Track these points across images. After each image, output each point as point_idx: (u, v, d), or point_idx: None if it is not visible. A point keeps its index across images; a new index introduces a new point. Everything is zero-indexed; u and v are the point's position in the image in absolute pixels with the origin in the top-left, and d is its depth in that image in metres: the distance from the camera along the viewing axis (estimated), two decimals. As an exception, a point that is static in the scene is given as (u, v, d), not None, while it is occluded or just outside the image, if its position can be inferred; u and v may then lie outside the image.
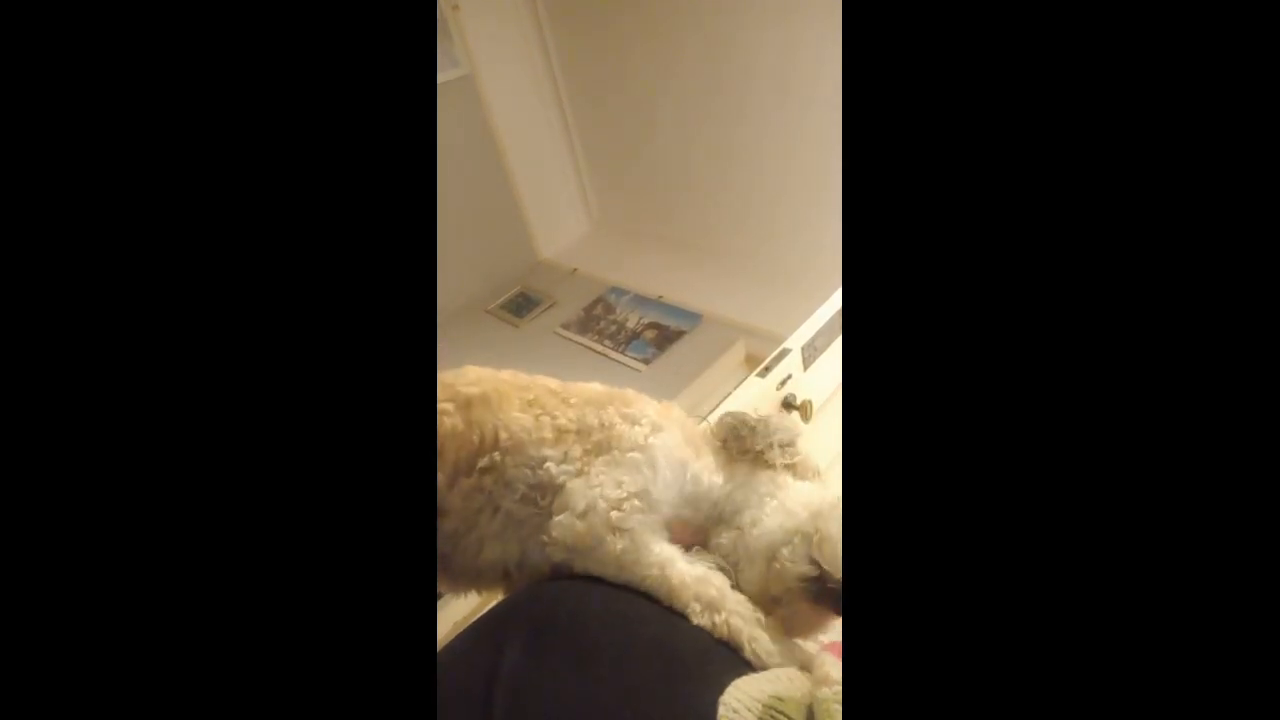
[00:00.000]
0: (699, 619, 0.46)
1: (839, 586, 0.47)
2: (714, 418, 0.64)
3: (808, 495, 0.54)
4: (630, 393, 0.58)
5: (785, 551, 0.49)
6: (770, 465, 0.55)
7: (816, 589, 0.48)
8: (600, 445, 0.52)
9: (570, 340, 1.87)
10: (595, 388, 0.58)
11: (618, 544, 0.48)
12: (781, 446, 0.56)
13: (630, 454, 0.52)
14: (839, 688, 0.39)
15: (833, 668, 0.42)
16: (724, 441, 0.57)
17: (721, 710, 0.38)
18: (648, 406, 0.57)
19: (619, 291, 2.00)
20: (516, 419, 0.53)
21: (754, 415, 0.58)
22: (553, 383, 0.58)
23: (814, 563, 0.48)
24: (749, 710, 0.38)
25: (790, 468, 0.56)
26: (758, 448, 0.55)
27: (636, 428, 0.53)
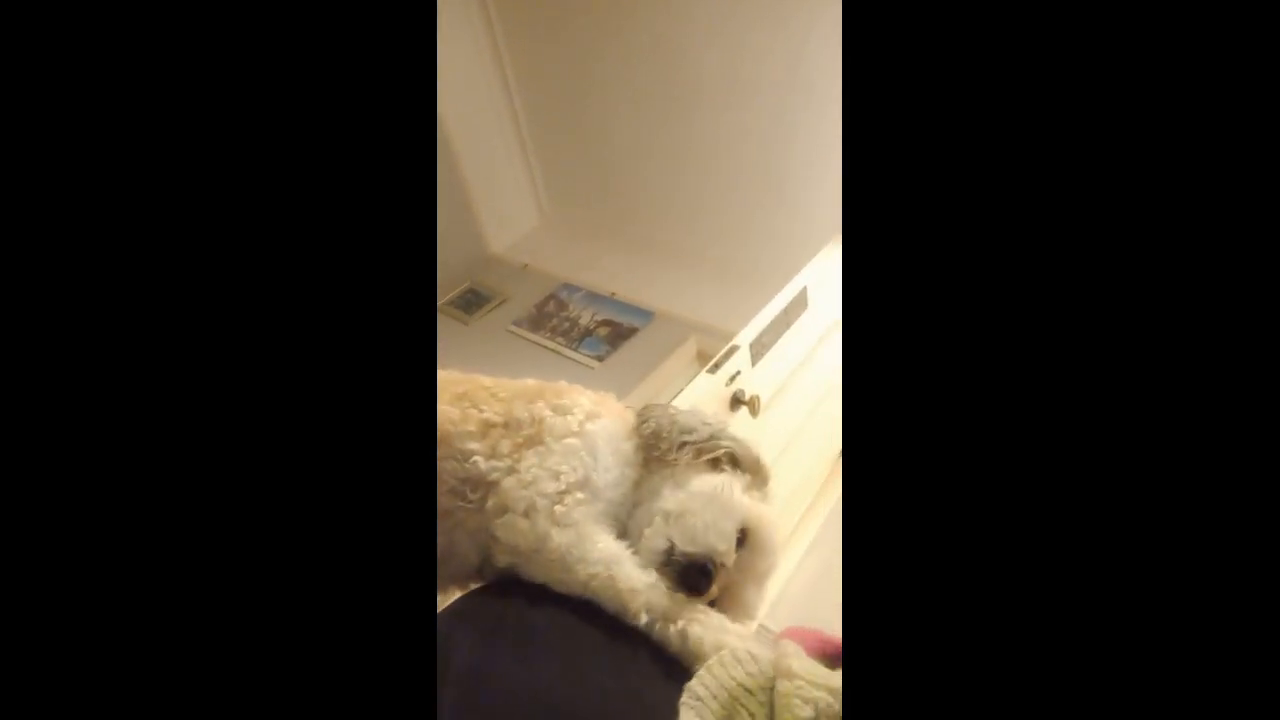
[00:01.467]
0: (650, 631, 0.45)
1: (686, 560, 0.47)
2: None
3: (702, 484, 0.52)
4: (564, 385, 0.57)
5: (648, 530, 0.49)
6: (674, 464, 0.54)
7: (666, 561, 0.47)
8: (531, 439, 0.52)
9: (522, 337, 1.86)
10: (528, 382, 0.57)
11: (562, 539, 0.47)
12: (687, 445, 0.53)
13: (566, 440, 0.51)
14: (800, 681, 0.38)
15: (794, 658, 0.40)
16: (643, 440, 0.56)
17: (685, 696, 0.38)
18: (581, 396, 0.56)
19: (571, 288, 1.99)
20: (444, 411, 0.53)
21: (667, 415, 0.56)
22: (487, 380, 0.57)
23: (669, 538, 0.48)
24: (714, 698, 0.38)
25: (714, 464, 0.54)
26: (662, 449, 0.54)
27: (569, 417, 0.53)
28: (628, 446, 0.55)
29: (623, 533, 0.52)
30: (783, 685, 0.38)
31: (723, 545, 0.48)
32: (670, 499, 0.51)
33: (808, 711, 0.36)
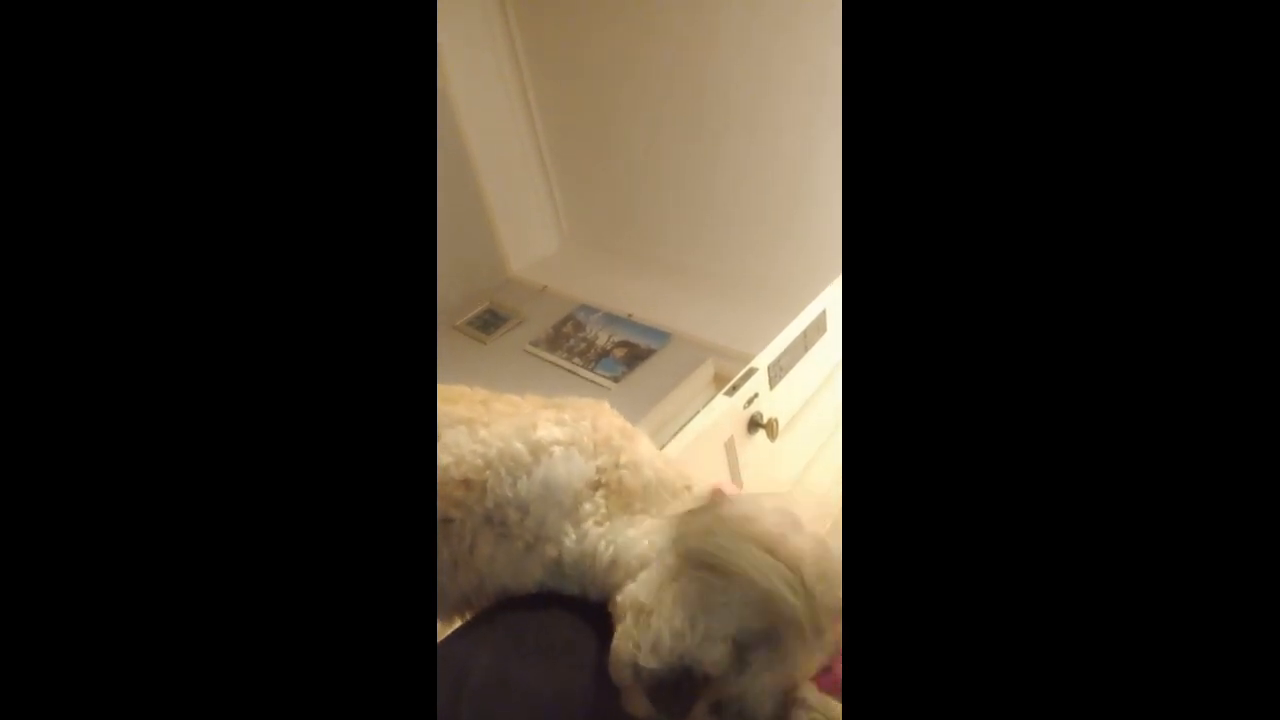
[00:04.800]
0: None
1: (652, 678, 0.37)
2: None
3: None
4: (583, 401, 0.53)
5: (618, 630, 0.39)
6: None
7: (634, 674, 0.38)
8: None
9: (539, 358, 1.86)
10: (532, 397, 0.54)
11: None
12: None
13: (515, 444, 0.46)
14: (815, 713, 0.38)
15: (809, 691, 0.39)
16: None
17: None
18: (584, 416, 0.50)
19: (589, 309, 2.00)
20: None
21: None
22: (482, 392, 0.55)
23: (636, 643, 0.38)
24: None
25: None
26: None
27: (539, 429, 0.47)
28: (587, 495, 0.48)
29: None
30: (797, 715, 0.38)
31: (705, 654, 0.36)
32: (643, 586, 0.40)
33: None
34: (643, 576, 0.42)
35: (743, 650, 0.38)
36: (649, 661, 0.37)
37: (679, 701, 0.37)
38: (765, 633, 0.38)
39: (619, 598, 0.42)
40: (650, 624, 0.38)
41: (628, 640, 0.38)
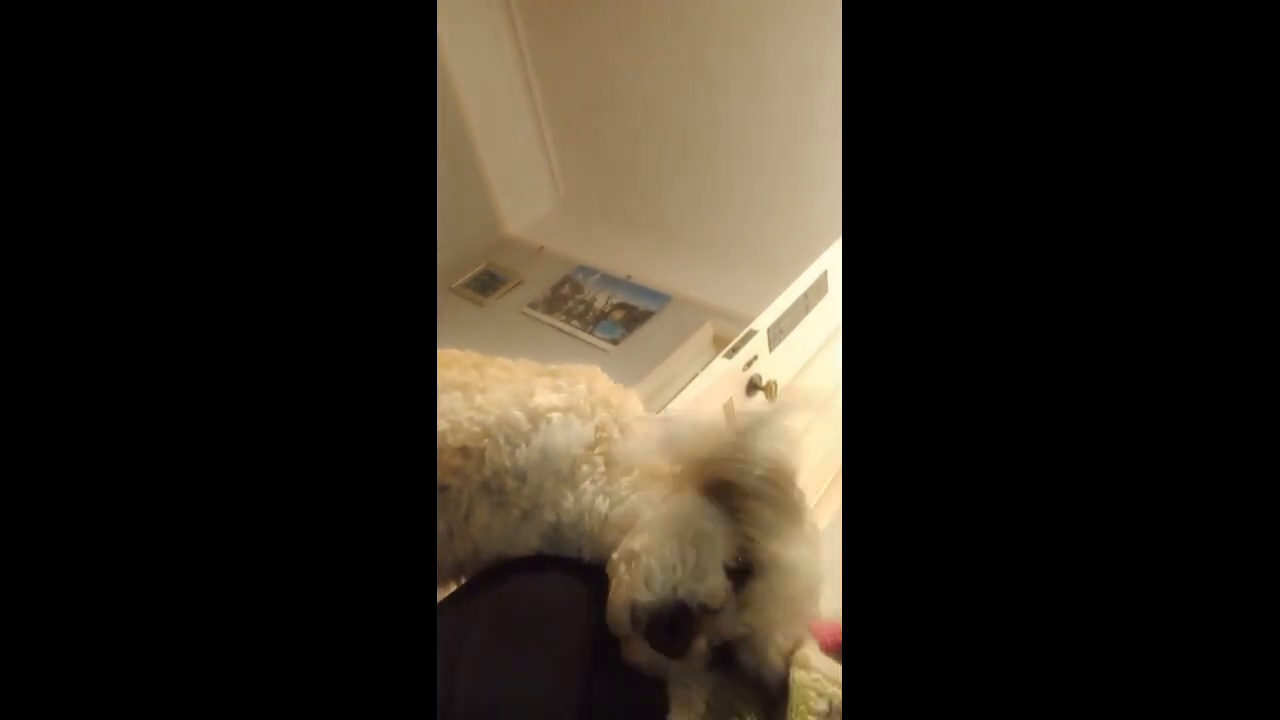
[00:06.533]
0: None
1: (648, 614, 0.37)
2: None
3: (674, 507, 0.42)
4: (576, 366, 0.52)
5: (612, 581, 0.40)
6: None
7: (632, 616, 0.38)
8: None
9: (537, 320, 1.85)
10: (525, 362, 0.53)
11: None
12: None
13: (514, 411, 0.46)
14: (816, 674, 0.38)
15: (813, 652, 0.39)
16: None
17: (674, 685, 0.38)
18: (579, 380, 0.50)
19: (587, 271, 1.98)
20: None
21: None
22: (475, 356, 0.54)
23: (631, 586, 0.39)
24: (700, 700, 0.38)
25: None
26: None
27: (537, 396, 0.47)
28: (589, 459, 0.47)
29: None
30: (799, 675, 0.39)
31: (700, 584, 0.37)
32: (635, 535, 0.41)
33: (822, 705, 0.37)
34: (635, 528, 0.42)
35: (739, 581, 0.38)
36: (643, 596, 0.37)
37: (677, 639, 0.36)
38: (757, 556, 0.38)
39: (614, 555, 0.42)
40: (642, 562, 0.38)
41: (622, 586, 0.39)
